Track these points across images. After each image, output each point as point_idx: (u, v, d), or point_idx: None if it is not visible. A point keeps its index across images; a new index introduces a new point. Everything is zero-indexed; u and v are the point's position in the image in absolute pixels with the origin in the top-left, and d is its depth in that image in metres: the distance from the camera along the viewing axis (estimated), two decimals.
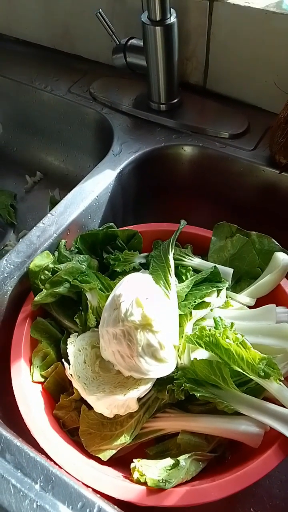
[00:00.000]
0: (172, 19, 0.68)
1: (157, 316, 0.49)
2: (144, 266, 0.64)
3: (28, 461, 0.43)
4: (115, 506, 0.42)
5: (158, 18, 0.67)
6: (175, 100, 0.78)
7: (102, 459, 0.49)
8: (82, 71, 0.91)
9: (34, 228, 0.63)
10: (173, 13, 0.68)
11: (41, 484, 0.42)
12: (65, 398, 0.54)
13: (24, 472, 0.43)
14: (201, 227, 0.68)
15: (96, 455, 0.49)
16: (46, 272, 0.58)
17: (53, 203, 0.70)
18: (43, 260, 0.59)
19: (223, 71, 0.78)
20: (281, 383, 0.48)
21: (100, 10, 0.72)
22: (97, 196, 0.68)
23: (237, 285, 0.64)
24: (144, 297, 0.50)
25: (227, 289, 0.62)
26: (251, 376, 0.48)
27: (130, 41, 0.75)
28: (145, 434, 0.52)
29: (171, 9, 0.68)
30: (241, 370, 0.48)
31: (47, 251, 0.60)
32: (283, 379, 0.49)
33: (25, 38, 1.00)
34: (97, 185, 0.69)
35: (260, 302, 0.60)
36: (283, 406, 0.48)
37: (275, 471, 0.57)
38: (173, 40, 0.69)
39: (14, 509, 0.40)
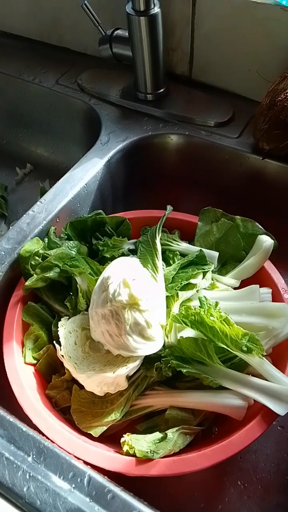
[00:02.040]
0: (156, 9, 0.69)
1: (144, 296, 0.51)
2: (133, 252, 0.66)
3: (21, 435, 0.45)
4: (105, 476, 0.43)
5: (142, 9, 0.68)
6: (161, 90, 0.80)
7: (93, 435, 0.50)
8: (70, 63, 0.92)
9: (24, 215, 0.64)
10: (157, 4, 0.69)
11: (34, 456, 0.43)
12: (57, 378, 0.56)
13: (17, 445, 0.44)
14: (189, 214, 0.70)
15: (88, 432, 0.51)
16: (37, 257, 0.60)
17: (44, 194, 0.71)
18: (33, 246, 0.60)
19: (207, 61, 0.80)
20: (263, 358, 0.50)
21: (86, 1, 0.73)
22: (85, 184, 0.69)
23: (223, 268, 0.66)
24: (131, 278, 0.52)
25: (213, 272, 0.64)
26: (234, 352, 0.50)
27: (116, 32, 0.76)
28: (135, 411, 0.54)
29: None
30: (225, 346, 0.50)
31: (37, 238, 0.62)
32: (265, 354, 0.51)
33: (13, 31, 1.01)
34: (85, 173, 0.70)
35: (244, 283, 0.62)
36: (265, 379, 0.50)
37: (261, 445, 0.60)
38: (157, 31, 0.71)
39: (8, 481, 0.42)
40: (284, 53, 0.70)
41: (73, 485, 0.42)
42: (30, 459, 0.43)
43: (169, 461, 0.46)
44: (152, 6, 0.69)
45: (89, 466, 0.44)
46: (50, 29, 0.95)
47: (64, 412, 0.54)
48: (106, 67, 0.87)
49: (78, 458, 0.45)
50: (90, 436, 0.51)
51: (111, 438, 0.53)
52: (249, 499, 0.56)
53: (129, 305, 0.50)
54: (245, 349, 0.49)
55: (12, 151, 1.00)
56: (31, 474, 0.42)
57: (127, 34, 0.73)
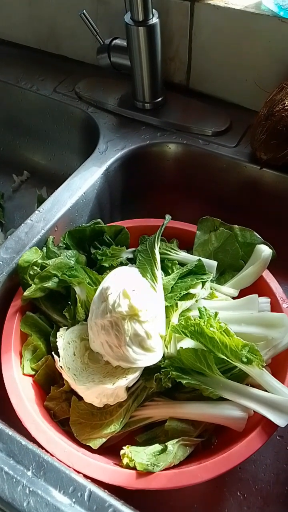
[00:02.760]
0: (155, 19, 0.69)
1: (143, 307, 0.51)
2: (131, 261, 0.66)
3: (20, 449, 0.44)
4: (106, 490, 0.43)
5: (141, 19, 0.69)
6: (159, 99, 0.80)
7: (93, 447, 0.50)
8: (67, 71, 0.92)
9: (22, 224, 0.64)
10: (155, 14, 0.70)
11: (33, 470, 0.43)
12: (56, 389, 0.55)
13: (16, 459, 0.44)
14: (187, 222, 0.70)
15: (87, 444, 0.50)
16: (35, 267, 0.59)
17: (41, 201, 0.71)
18: (32, 255, 0.60)
19: (205, 70, 0.80)
20: (263, 368, 0.50)
21: (84, 11, 0.73)
22: (84, 193, 0.69)
23: (222, 277, 0.66)
24: (131, 289, 0.52)
25: (212, 281, 0.64)
26: (234, 363, 0.50)
27: (114, 41, 0.76)
28: (134, 422, 0.54)
29: (154, 10, 0.70)
30: (225, 357, 0.50)
31: (36, 247, 0.62)
32: (265, 364, 0.51)
33: (11, 39, 1.01)
34: (84, 182, 0.70)
35: (243, 293, 0.62)
36: (265, 390, 0.50)
37: (260, 455, 0.59)
38: (156, 40, 0.71)
39: (7, 495, 0.42)
40: (281, 63, 0.71)
41: (74, 500, 0.41)
42: (29, 473, 0.43)
43: (170, 474, 0.46)
44: (151, 16, 0.69)
45: (89, 480, 0.44)
46: (48, 37, 0.95)
47: (63, 424, 0.54)
48: (104, 76, 0.88)
49: (78, 472, 0.45)
50: (89, 448, 0.50)
51: (110, 450, 0.52)
52: (249, 510, 0.55)
53: (129, 316, 0.50)
54: (245, 360, 0.49)
55: (9, 158, 1.00)
56: (31, 489, 0.42)
57: (125, 43, 0.74)
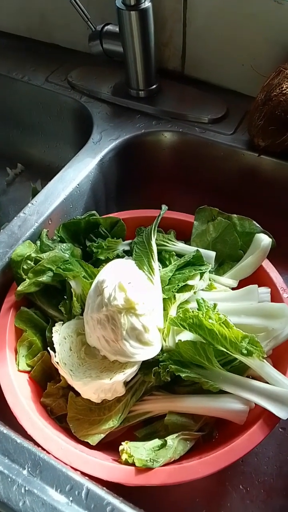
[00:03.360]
0: (147, 3, 0.67)
1: (140, 300, 0.49)
2: (128, 253, 0.64)
3: (15, 447, 0.43)
4: (104, 487, 0.42)
5: (132, 3, 0.66)
6: (154, 87, 0.78)
7: (91, 443, 0.49)
8: (60, 60, 0.90)
9: (15, 218, 0.62)
10: None
11: (29, 469, 0.42)
12: (52, 386, 0.54)
13: (11, 458, 0.43)
14: (185, 213, 0.68)
15: (85, 440, 0.49)
16: (29, 261, 0.58)
17: (35, 194, 0.69)
18: (25, 249, 0.58)
19: (200, 56, 0.78)
20: (264, 360, 0.49)
21: None
22: (78, 185, 0.68)
23: (220, 268, 0.65)
24: (127, 282, 0.50)
25: (211, 272, 0.63)
26: (234, 355, 0.49)
27: (106, 27, 0.74)
28: (133, 417, 0.53)
29: None
30: (224, 349, 0.49)
31: (29, 241, 0.60)
32: (265, 356, 0.50)
33: (1, 29, 0.99)
34: (78, 174, 0.68)
35: (243, 283, 0.61)
36: (266, 382, 0.49)
37: (263, 448, 0.58)
38: (148, 25, 0.69)
39: (3, 495, 0.41)
40: (278, 47, 0.69)
41: (71, 498, 0.40)
42: (25, 472, 0.42)
43: (170, 470, 0.45)
44: (143, 0, 0.67)
45: (87, 477, 0.43)
46: (39, 25, 0.93)
47: (60, 420, 0.53)
48: (97, 64, 0.85)
49: (76, 469, 0.44)
50: (87, 444, 0.49)
51: (109, 445, 0.51)
52: (252, 503, 0.54)
53: (125, 310, 0.49)
54: (245, 352, 0.48)
55: (2, 151, 0.98)
56: (26, 488, 0.41)
57: (117, 29, 0.72)
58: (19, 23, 0.95)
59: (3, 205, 0.91)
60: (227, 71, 0.77)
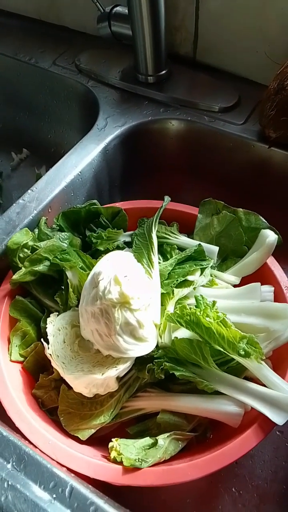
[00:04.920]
0: None
1: (136, 294, 0.48)
2: (129, 245, 0.63)
3: (0, 440, 0.42)
4: (90, 485, 0.41)
5: None
6: (163, 72, 0.75)
7: (81, 438, 0.48)
8: (68, 42, 0.87)
9: (14, 204, 0.61)
10: None
11: (13, 463, 0.41)
12: (45, 377, 0.53)
13: None
14: (190, 205, 0.66)
15: (75, 435, 0.48)
16: (25, 250, 0.57)
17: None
18: (22, 237, 0.57)
19: (213, 41, 0.75)
20: (262, 362, 0.47)
21: None
22: (80, 172, 0.66)
23: (224, 263, 0.62)
24: (123, 275, 0.49)
25: (213, 267, 0.60)
26: (231, 355, 0.47)
27: (115, 8, 0.71)
28: (125, 413, 0.52)
29: None
30: (221, 349, 0.47)
31: (26, 228, 0.59)
32: (264, 358, 0.48)
33: (9, 9, 0.97)
34: (80, 160, 0.66)
35: (246, 280, 0.59)
36: (264, 385, 0.47)
37: (258, 451, 0.57)
38: (159, 7, 0.66)
39: None
40: None
41: (54, 496, 0.39)
42: (9, 466, 0.41)
43: (159, 471, 0.44)
44: None
45: (72, 474, 0.42)
46: (49, 7, 0.90)
47: (51, 413, 0.52)
48: (106, 47, 0.83)
49: (62, 465, 0.43)
50: (77, 439, 0.48)
51: (100, 441, 0.50)
52: (244, 508, 0.53)
53: (120, 304, 0.47)
54: (243, 352, 0.46)
55: (8, 135, 0.96)
56: (9, 483, 0.40)
57: (126, 11, 0.69)
58: (28, 4, 0.92)
59: (7, 190, 0.90)
60: (240, 58, 0.74)
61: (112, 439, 0.47)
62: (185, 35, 0.76)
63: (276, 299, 0.56)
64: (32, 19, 0.94)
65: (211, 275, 0.59)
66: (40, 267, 0.55)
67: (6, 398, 0.48)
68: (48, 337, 0.52)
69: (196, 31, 0.75)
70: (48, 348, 0.51)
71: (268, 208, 0.64)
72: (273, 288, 0.57)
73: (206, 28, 0.74)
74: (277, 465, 0.56)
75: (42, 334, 0.55)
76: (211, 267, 0.59)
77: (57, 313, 0.55)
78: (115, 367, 0.49)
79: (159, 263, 0.58)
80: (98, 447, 0.49)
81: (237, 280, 0.59)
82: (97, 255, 0.60)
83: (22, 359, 0.54)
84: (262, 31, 0.68)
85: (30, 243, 0.57)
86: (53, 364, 0.51)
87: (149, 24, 0.68)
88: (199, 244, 0.59)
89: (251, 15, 0.68)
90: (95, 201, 0.64)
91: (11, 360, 0.53)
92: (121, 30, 0.72)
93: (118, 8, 0.72)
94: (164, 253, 0.60)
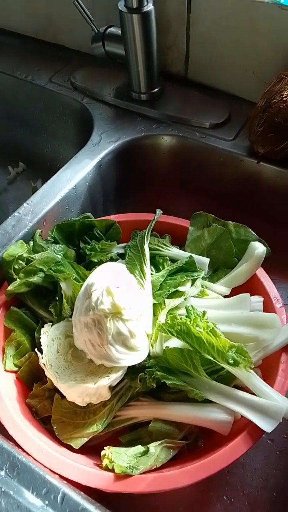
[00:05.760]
0: (150, 6, 0.67)
1: (127, 305, 0.49)
2: (122, 257, 0.64)
3: None
4: (81, 492, 0.42)
5: (135, 6, 0.66)
6: (156, 90, 0.78)
7: (74, 446, 0.49)
8: (64, 61, 0.90)
9: (10, 217, 0.63)
10: (150, 1, 0.67)
11: (7, 470, 0.42)
12: (39, 387, 0.54)
13: None
14: (181, 218, 0.68)
15: (68, 443, 0.49)
16: (20, 261, 0.58)
17: None
18: (17, 249, 0.58)
19: (204, 60, 0.77)
20: (251, 371, 0.48)
21: None
22: (74, 186, 0.68)
23: (214, 274, 0.64)
24: (115, 286, 0.50)
25: (204, 278, 0.62)
26: (221, 364, 0.48)
27: (109, 29, 0.74)
28: (118, 422, 0.52)
29: None
30: (211, 358, 0.48)
31: (22, 241, 0.60)
32: (253, 366, 0.49)
33: (8, 28, 0.99)
34: (74, 175, 0.68)
35: (236, 291, 0.60)
36: (253, 393, 0.48)
37: (250, 459, 0.58)
38: (151, 28, 0.69)
39: None
40: (281, 53, 0.68)
41: (46, 502, 0.40)
42: (2, 473, 0.42)
43: (150, 478, 0.44)
44: (146, 3, 0.67)
45: (65, 482, 0.43)
46: (45, 26, 0.93)
47: (44, 422, 0.53)
48: (101, 66, 0.85)
49: (55, 472, 0.44)
50: (70, 448, 0.49)
51: (93, 449, 0.51)
52: None
53: (112, 314, 0.48)
54: (232, 361, 0.47)
55: (5, 150, 0.99)
56: (2, 489, 0.40)
57: (120, 31, 0.71)
58: (26, 23, 0.95)
59: (4, 203, 0.91)
60: (230, 76, 0.77)
61: (105, 447, 0.48)
62: (176, 54, 0.79)
63: (265, 309, 0.58)
64: (30, 37, 0.97)
65: (202, 286, 0.60)
66: (35, 279, 0.57)
67: (0, 408, 0.49)
68: (42, 347, 0.53)
69: (187, 51, 0.78)
70: (42, 358, 0.52)
71: (257, 221, 0.66)
72: (262, 299, 0.58)
73: (197, 48, 0.77)
74: (268, 473, 0.57)
75: (36, 344, 0.56)
76: (202, 278, 0.60)
77: (51, 323, 0.57)
78: (108, 376, 0.50)
79: (151, 274, 0.59)
80: (91, 455, 0.50)
81: (227, 291, 0.61)
82: (91, 266, 0.62)
83: (16, 369, 0.55)
84: (251, 52, 0.71)
85: (25, 255, 0.58)
86: (47, 373, 0.52)
87: (142, 44, 0.70)
88: (190, 255, 0.61)
89: (240, 36, 0.71)
90: (89, 214, 0.65)
91: (5, 370, 0.54)
92: (115, 50, 0.75)
93: (112, 29, 0.74)
94: (156, 265, 0.62)
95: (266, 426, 0.46)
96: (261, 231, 0.63)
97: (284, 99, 0.61)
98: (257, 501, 0.55)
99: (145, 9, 0.67)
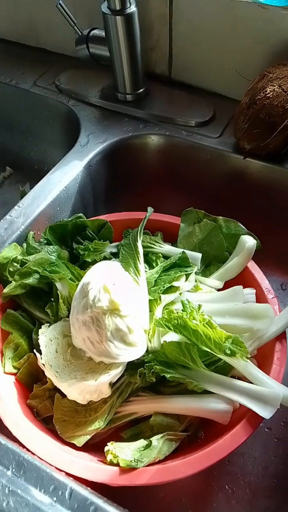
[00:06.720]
0: (132, 8, 0.68)
1: (124, 301, 0.50)
2: (116, 256, 0.65)
3: (0, 448, 0.43)
4: (88, 488, 0.42)
5: (118, 8, 0.67)
6: (141, 90, 0.79)
7: (77, 445, 0.49)
8: (47, 64, 0.90)
9: (1, 220, 0.63)
10: (133, 2, 0.68)
11: (13, 470, 0.42)
12: (39, 387, 0.54)
13: None
14: (172, 215, 0.69)
15: (71, 441, 0.50)
16: (15, 264, 0.58)
17: (24, 197, 0.70)
18: (11, 252, 0.59)
19: (187, 60, 0.79)
20: (247, 360, 0.49)
21: (61, 1, 0.72)
22: (65, 187, 0.68)
23: (207, 269, 0.65)
24: (112, 283, 0.51)
25: (197, 273, 0.63)
26: (218, 355, 0.50)
27: (92, 31, 0.75)
28: (119, 418, 0.53)
29: None
30: (208, 350, 0.49)
31: (15, 243, 0.60)
32: (249, 356, 0.50)
33: None
34: (64, 176, 0.69)
35: (228, 284, 0.61)
36: (250, 382, 0.49)
37: (249, 448, 0.59)
38: (134, 30, 0.70)
39: None
40: (263, 51, 0.70)
41: (55, 498, 0.40)
42: (9, 472, 0.42)
43: (154, 470, 0.45)
44: (128, 5, 0.68)
45: (71, 478, 0.43)
46: (28, 30, 0.93)
47: (46, 422, 0.53)
48: (85, 68, 0.86)
49: (60, 470, 0.44)
50: (73, 446, 0.49)
51: (96, 446, 0.51)
52: (237, 504, 0.55)
53: (110, 311, 0.49)
54: (229, 352, 0.48)
55: None
56: (10, 489, 0.41)
57: (103, 34, 0.72)
58: (7, 28, 0.95)
59: None
60: (213, 75, 0.78)
61: (108, 443, 0.49)
62: (160, 55, 0.80)
63: (258, 300, 0.59)
64: (12, 42, 0.97)
65: (195, 281, 0.61)
66: (30, 280, 0.57)
67: (2, 409, 0.49)
68: (40, 347, 0.53)
69: (170, 51, 0.79)
70: (41, 358, 0.52)
71: (246, 215, 0.67)
72: (254, 290, 0.60)
73: (180, 48, 0.78)
74: (267, 460, 0.58)
75: (34, 346, 0.57)
76: (195, 273, 0.62)
77: (48, 324, 0.57)
78: (108, 372, 0.50)
79: (146, 271, 0.60)
80: (94, 453, 0.51)
81: (220, 285, 0.62)
82: (85, 266, 0.62)
83: (15, 371, 0.55)
84: (233, 50, 0.73)
85: (19, 257, 0.59)
86: (46, 373, 0.52)
87: (126, 46, 0.71)
88: (183, 251, 0.62)
89: (222, 35, 0.72)
90: (81, 214, 0.66)
91: (4, 372, 0.54)
92: (99, 51, 0.75)
93: (95, 31, 0.75)
94: (149, 262, 0.63)
95: (265, 412, 0.47)
96: (250, 224, 0.65)
97: (268, 95, 0.62)
98: (258, 489, 0.56)
99: (128, 11, 0.68)
